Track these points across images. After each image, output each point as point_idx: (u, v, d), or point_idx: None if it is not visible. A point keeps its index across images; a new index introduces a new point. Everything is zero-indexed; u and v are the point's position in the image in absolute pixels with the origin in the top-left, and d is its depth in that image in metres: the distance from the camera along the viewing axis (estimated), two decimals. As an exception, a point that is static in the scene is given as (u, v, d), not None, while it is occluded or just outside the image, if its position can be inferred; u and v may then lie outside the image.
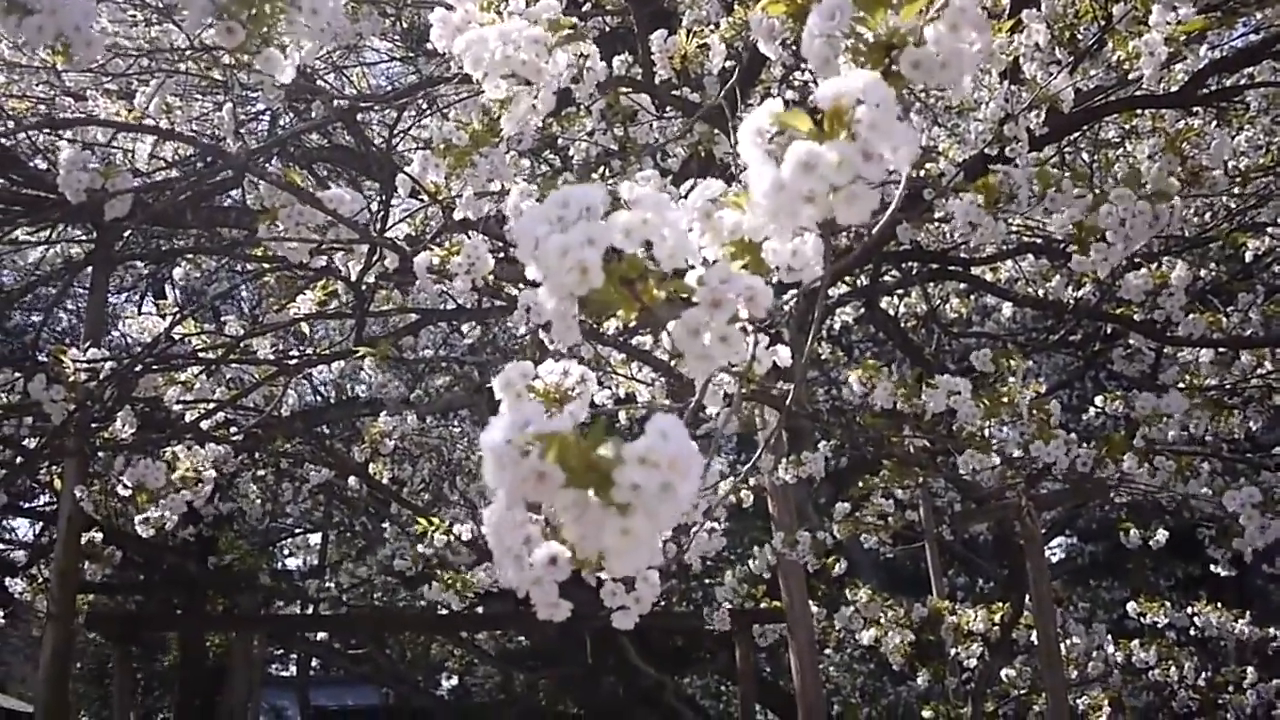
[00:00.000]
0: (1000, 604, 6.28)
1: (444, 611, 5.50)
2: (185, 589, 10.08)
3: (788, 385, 3.48)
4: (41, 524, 10.11)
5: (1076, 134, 3.90)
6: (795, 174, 0.75)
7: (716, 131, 4.15)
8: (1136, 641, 6.24)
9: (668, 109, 4.20)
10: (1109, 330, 5.04)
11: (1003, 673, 6.56)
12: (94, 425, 3.78)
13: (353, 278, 3.46)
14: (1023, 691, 6.68)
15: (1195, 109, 3.84)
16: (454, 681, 20.07)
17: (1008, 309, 5.66)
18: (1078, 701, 6.47)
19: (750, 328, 0.90)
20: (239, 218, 4.77)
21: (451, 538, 5.12)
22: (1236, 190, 4.24)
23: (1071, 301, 4.54)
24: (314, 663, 18.26)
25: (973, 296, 5.65)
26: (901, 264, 4.70)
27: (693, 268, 0.79)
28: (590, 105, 3.79)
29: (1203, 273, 5.21)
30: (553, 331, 0.80)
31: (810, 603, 5.38)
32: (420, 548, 5.34)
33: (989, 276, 4.94)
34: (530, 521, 0.72)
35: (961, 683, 6.91)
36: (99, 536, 4.74)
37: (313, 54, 1.70)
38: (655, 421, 0.67)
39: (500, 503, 0.71)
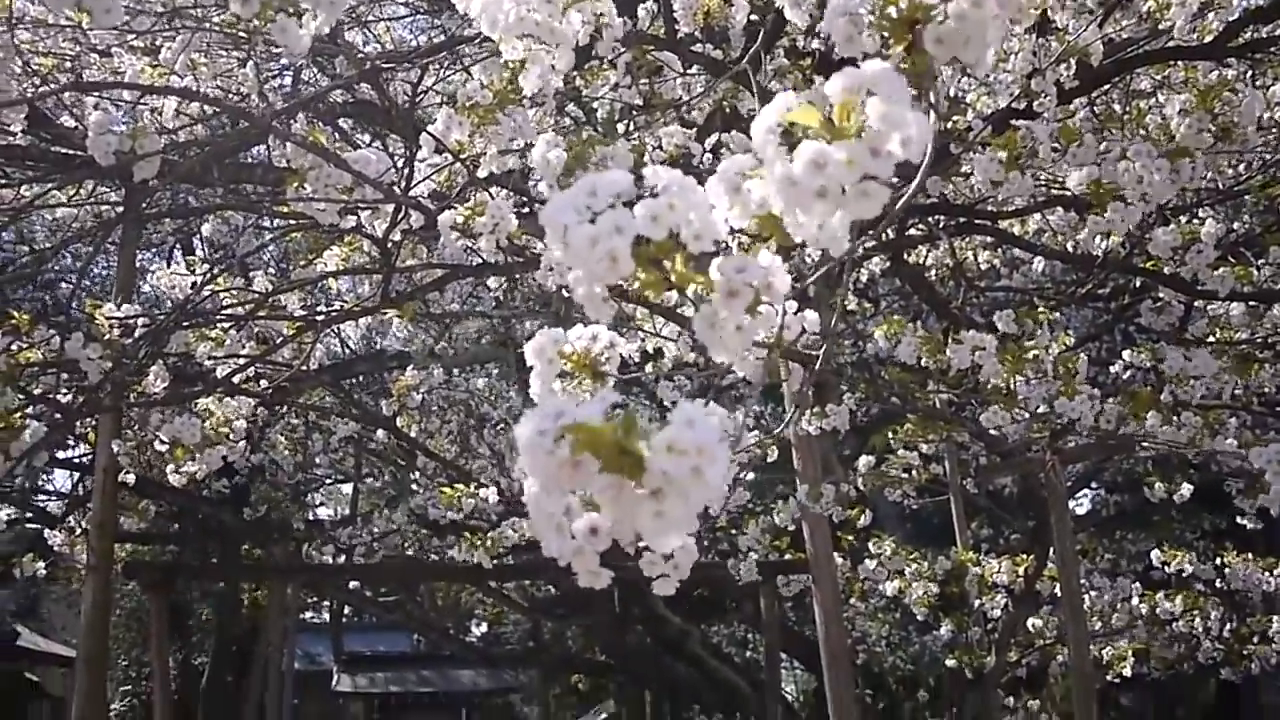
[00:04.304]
0: (1024, 556, 6.30)
1: (474, 562, 5.59)
2: (220, 539, 10.27)
3: (816, 341, 3.49)
4: (78, 475, 10.32)
5: (1107, 86, 3.84)
6: (806, 172, 0.76)
7: (741, 89, 4.12)
8: (1161, 593, 6.25)
9: (692, 64, 4.17)
10: (1138, 283, 4.99)
11: (1029, 623, 6.60)
12: (128, 380, 3.84)
13: (379, 235, 3.48)
14: (1047, 642, 6.73)
15: (1229, 60, 3.76)
16: (484, 628, 20.42)
17: (1038, 262, 5.60)
18: (1103, 652, 6.51)
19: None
20: (264, 174, 4.79)
21: (478, 500, 5.18)
22: (1270, 140, 4.16)
23: (1100, 255, 4.49)
24: (346, 609, 18.63)
25: (1001, 249, 5.59)
26: (928, 217, 4.66)
27: (720, 243, 0.80)
28: (614, 59, 3.77)
29: (1235, 225, 5.13)
30: (585, 311, 0.81)
31: (835, 554, 5.42)
32: (450, 514, 5.40)
33: (1017, 229, 4.89)
34: (570, 494, 0.74)
35: (985, 633, 6.97)
36: (130, 479, 4.85)
37: (328, 24, 1.69)
38: (681, 409, 0.69)
39: (536, 485, 0.73)
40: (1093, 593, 6.46)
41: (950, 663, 7.04)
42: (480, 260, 3.85)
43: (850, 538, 6.19)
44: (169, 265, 7.47)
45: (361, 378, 9.31)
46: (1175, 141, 2.60)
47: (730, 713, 11.66)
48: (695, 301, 0.83)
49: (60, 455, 9.72)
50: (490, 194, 3.06)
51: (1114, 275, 4.89)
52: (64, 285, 9.01)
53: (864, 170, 0.75)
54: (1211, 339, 4.46)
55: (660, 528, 0.69)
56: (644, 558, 1.29)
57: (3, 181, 5.13)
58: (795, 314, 1.42)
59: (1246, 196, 4.81)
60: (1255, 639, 6.59)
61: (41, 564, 7.20)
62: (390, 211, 3.32)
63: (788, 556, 6.38)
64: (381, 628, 18.64)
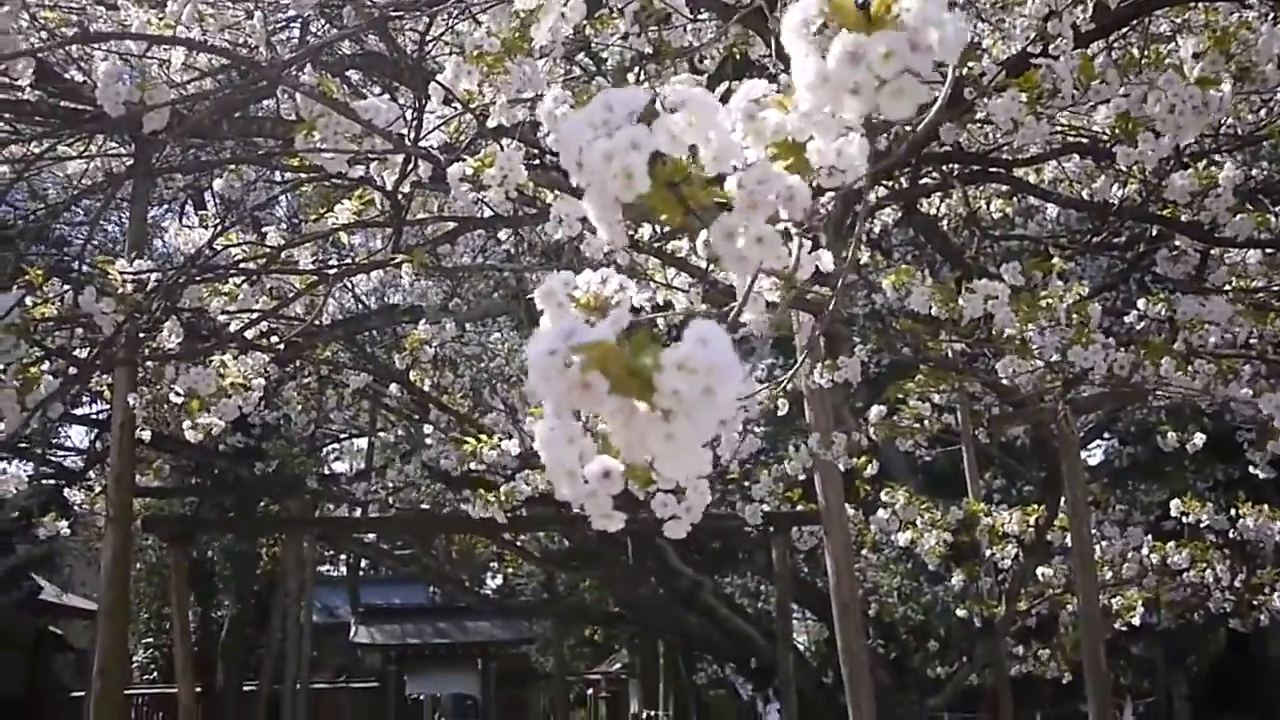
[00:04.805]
0: (1035, 506, 6.32)
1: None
2: (237, 494, 10.37)
3: (826, 290, 3.47)
4: (96, 431, 10.42)
5: (1125, 29, 3.77)
6: (841, 65, 0.72)
7: (752, 34, 4.07)
8: (1171, 544, 6.26)
9: (702, 11, 4.12)
10: (1154, 232, 4.94)
11: (1039, 573, 6.64)
12: (141, 335, 3.85)
13: (389, 187, 3.47)
14: (1057, 591, 6.76)
15: (1250, 2, 3.69)
16: (499, 580, 20.66)
17: (1053, 209, 5.55)
18: (1112, 601, 6.54)
19: (793, 232, 0.88)
20: (274, 127, 4.77)
21: (498, 453, 5.21)
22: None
23: (1116, 202, 4.45)
24: (363, 563, 18.86)
25: (1016, 198, 5.55)
26: (942, 165, 4.61)
27: (738, 169, 0.77)
28: (623, 8, 3.72)
29: (1253, 172, 5.07)
30: (602, 236, 0.79)
31: (847, 505, 5.44)
32: (470, 465, 5.43)
33: (1032, 178, 4.84)
34: (582, 435, 0.72)
35: (996, 583, 7.01)
36: (146, 435, 4.91)
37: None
38: (694, 327, 0.66)
39: (548, 413, 0.71)
40: (1103, 543, 6.48)
41: (961, 612, 7.09)
42: (491, 212, 3.84)
43: (866, 486, 6.20)
44: (180, 221, 7.49)
45: (374, 332, 9.33)
46: (1193, 75, 2.55)
47: (743, 663, 11.79)
48: (708, 237, 0.81)
49: (77, 412, 9.79)
50: (500, 145, 3.04)
51: (1130, 223, 4.85)
52: (76, 242, 9.02)
53: (903, 64, 0.71)
54: (1228, 287, 4.42)
55: (670, 451, 0.67)
56: (656, 499, 1.28)
57: (12, 137, 5.12)
58: (808, 253, 1.40)
59: (1265, 144, 4.75)
60: (1266, 590, 6.61)
61: (64, 522, 7.28)
62: (399, 163, 3.31)
63: (799, 508, 6.41)
64: (398, 580, 18.86)
